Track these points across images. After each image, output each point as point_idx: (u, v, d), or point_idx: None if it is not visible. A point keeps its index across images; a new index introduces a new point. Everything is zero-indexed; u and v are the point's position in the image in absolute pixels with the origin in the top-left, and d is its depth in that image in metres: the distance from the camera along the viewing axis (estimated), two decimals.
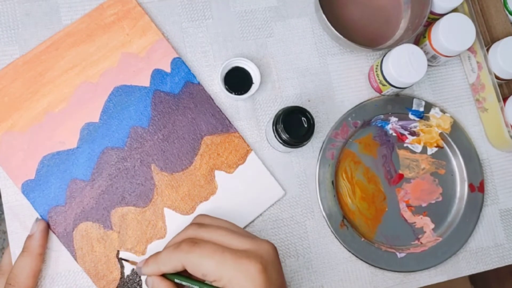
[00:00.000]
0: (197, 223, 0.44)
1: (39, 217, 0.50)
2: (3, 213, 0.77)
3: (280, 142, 0.50)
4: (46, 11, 0.54)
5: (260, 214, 0.54)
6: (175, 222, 0.52)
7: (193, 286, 0.41)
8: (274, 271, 0.40)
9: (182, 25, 0.57)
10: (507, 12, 0.60)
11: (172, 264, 0.40)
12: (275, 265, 0.41)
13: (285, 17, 0.59)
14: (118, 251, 0.51)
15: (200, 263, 0.39)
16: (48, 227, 0.50)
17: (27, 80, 0.52)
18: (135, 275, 0.51)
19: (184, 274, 0.43)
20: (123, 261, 0.51)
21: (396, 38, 0.58)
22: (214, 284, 0.40)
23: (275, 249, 0.42)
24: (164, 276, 0.42)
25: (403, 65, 0.53)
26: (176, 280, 0.42)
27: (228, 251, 0.39)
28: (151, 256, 0.43)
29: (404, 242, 0.57)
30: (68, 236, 0.51)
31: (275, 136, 0.50)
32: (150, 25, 0.55)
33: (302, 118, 0.49)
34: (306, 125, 0.49)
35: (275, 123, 0.50)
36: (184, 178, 0.53)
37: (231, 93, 0.54)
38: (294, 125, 0.49)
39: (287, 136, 0.49)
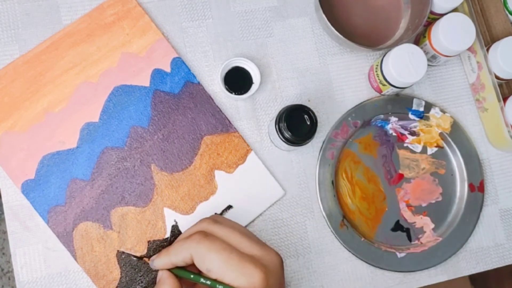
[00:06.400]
0: (212, 219, 0.44)
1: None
2: (3, 213, 0.78)
3: (283, 141, 0.50)
4: (46, 11, 0.54)
5: (260, 214, 0.54)
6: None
7: (205, 282, 0.42)
8: (275, 283, 0.40)
9: (182, 25, 0.57)
10: (507, 12, 0.60)
11: (182, 254, 0.41)
12: (277, 277, 0.41)
13: (285, 17, 0.59)
14: (118, 250, 0.51)
15: (207, 257, 0.39)
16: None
17: (27, 80, 0.52)
18: (134, 275, 0.51)
19: (193, 270, 0.43)
20: (132, 256, 0.51)
21: (396, 38, 0.58)
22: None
23: (281, 261, 0.42)
24: (174, 273, 0.43)
25: (403, 65, 0.53)
26: (181, 275, 0.43)
27: (235, 252, 0.40)
28: (163, 249, 0.44)
29: (404, 242, 0.57)
30: (68, 236, 0.51)
31: (277, 134, 0.50)
32: (150, 25, 0.55)
33: (305, 116, 0.50)
34: (308, 123, 0.49)
35: (278, 121, 0.50)
36: (184, 178, 0.53)
37: (231, 93, 0.54)
38: (296, 123, 0.49)
39: (290, 134, 0.49)
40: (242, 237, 0.42)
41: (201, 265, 0.40)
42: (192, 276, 0.42)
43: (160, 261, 0.43)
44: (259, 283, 0.38)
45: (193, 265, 0.42)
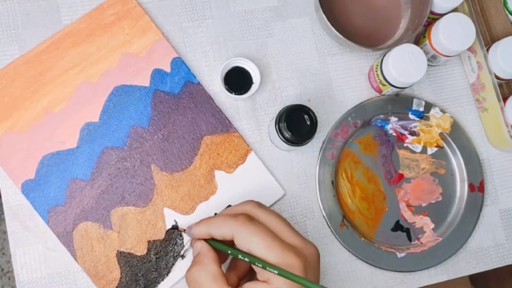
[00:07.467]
0: (256, 202, 0.45)
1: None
2: (3, 213, 0.78)
3: (283, 141, 0.50)
4: (46, 11, 0.54)
5: None
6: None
7: (244, 258, 0.42)
8: (312, 274, 0.41)
9: (182, 25, 0.57)
10: (507, 12, 0.60)
11: (223, 230, 0.42)
12: (315, 269, 0.42)
13: (285, 17, 0.59)
14: (118, 250, 0.51)
15: (250, 240, 0.40)
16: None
17: (27, 80, 0.52)
18: (134, 276, 0.51)
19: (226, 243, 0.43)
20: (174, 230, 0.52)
21: (396, 38, 0.58)
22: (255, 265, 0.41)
23: (318, 254, 0.43)
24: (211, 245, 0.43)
25: (403, 65, 0.53)
26: (218, 247, 0.43)
27: (278, 240, 0.40)
28: (204, 219, 0.44)
29: (404, 242, 0.57)
30: (68, 236, 0.51)
31: (277, 134, 0.50)
32: (150, 25, 0.55)
33: (305, 116, 0.50)
34: (308, 123, 0.49)
35: (278, 121, 0.50)
36: (184, 178, 0.53)
37: (231, 93, 0.54)
38: (296, 123, 0.49)
39: (290, 134, 0.49)
40: (284, 226, 0.42)
41: (242, 246, 0.41)
42: (229, 251, 0.42)
43: (199, 230, 0.44)
44: (298, 273, 0.39)
45: (228, 241, 0.43)
